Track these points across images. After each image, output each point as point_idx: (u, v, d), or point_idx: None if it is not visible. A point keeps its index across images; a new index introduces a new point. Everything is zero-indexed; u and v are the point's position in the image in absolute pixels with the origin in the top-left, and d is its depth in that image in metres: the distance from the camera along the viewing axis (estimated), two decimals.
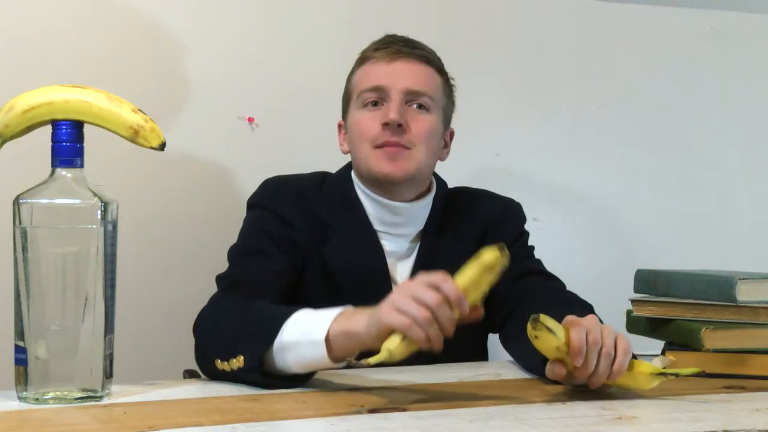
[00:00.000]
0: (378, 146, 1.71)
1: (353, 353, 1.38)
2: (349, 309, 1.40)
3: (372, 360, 1.31)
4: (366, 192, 1.76)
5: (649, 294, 1.73)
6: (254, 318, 1.47)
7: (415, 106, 1.73)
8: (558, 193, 2.44)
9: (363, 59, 1.78)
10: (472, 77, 2.33)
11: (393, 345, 1.31)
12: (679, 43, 2.55)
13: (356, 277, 1.72)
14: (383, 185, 1.74)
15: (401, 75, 1.72)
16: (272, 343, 1.40)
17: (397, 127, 1.70)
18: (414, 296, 1.31)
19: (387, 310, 1.33)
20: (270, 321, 1.43)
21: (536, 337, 1.35)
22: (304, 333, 1.38)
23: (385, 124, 1.70)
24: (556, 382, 1.44)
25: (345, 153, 1.82)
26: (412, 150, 1.72)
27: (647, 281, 1.74)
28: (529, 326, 1.35)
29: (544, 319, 1.34)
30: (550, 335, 1.34)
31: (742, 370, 1.57)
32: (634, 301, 1.71)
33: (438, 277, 1.32)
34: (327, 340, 1.36)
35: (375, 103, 1.73)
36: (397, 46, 1.74)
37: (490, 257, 1.32)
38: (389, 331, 1.32)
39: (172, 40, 2.13)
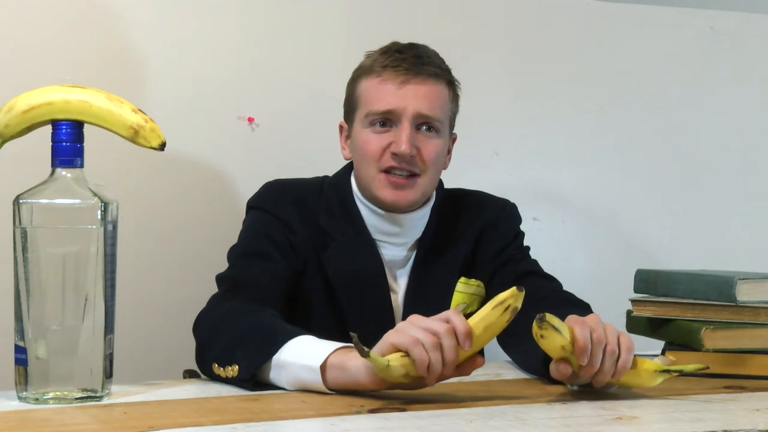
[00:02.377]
0: (384, 171, 1.71)
1: (346, 388, 1.38)
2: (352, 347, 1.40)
3: (371, 353, 1.30)
4: (364, 202, 1.76)
5: (649, 294, 1.73)
6: (256, 328, 1.47)
7: (424, 128, 1.72)
8: (558, 193, 2.44)
9: (370, 71, 1.73)
10: (472, 77, 2.32)
11: (393, 358, 1.32)
12: (679, 43, 2.55)
13: (354, 284, 1.72)
14: (380, 206, 1.74)
15: (412, 99, 1.69)
16: (269, 358, 1.40)
17: (408, 157, 1.70)
18: (422, 325, 1.33)
19: (392, 332, 1.34)
20: (272, 336, 1.43)
21: (542, 336, 1.34)
22: (303, 357, 1.38)
23: (395, 154, 1.69)
24: (556, 382, 1.44)
25: (347, 159, 1.81)
26: (421, 176, 1.72)
27: (647, 281, 1.74)
28: (534, 326, 1.34)
29: (550, 318, 1.34)
30: (556, 334, 1.34)
31: (742, 370, 1.57)
32: (634, 301, 1.71)
33: (449, 312, 1.34)
34: (323, 368, 1.36)
35: (383, 124, 1.71)
36: (406, 65, 1.70)
37: (504, 294, 1.33)
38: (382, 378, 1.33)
39: (172, 40, 2.13)
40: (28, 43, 2.03)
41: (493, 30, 2.40)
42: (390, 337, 1.34)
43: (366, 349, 1.30)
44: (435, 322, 1.33)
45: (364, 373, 1.34)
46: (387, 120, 1.71)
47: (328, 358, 1.36)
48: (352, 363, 1.35)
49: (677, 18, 2.53)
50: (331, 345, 1.39)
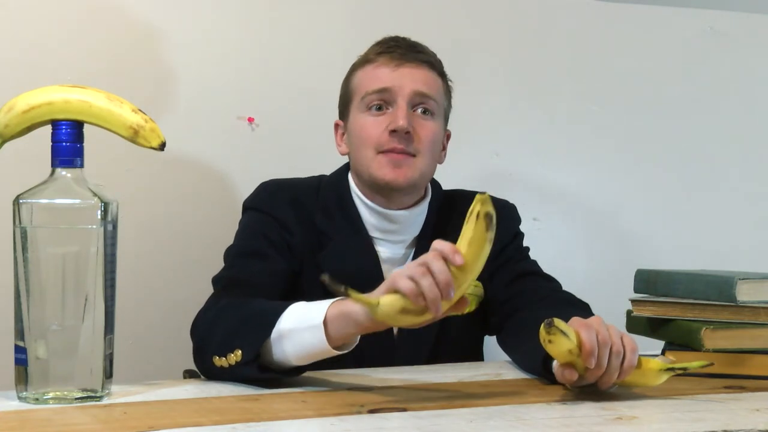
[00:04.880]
0: (382, 152, 1.71)
1: (351, 337, 1.39)
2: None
3: (354, 294, 1.28)
4: (362, 199, 1.76)
5: (649, 294, 1.73)
6: (251, 312, 1.47)
7: (420, 110, 1.72)
8: (558, 193, 2.44)
9: (365, 61, 1.76)
10: (472, 77, 2.33)
11: (383, 297, 1.30)
12: (679, 43, 2.55)
13: (351, 283, 1.71)
14: (383, 191, 1.74)
15: (407, 79, 1.71)
16: (270, 333, 1.40)
17: (405, 134, 1.70)
18: (411, 263, 1.32)
19: (386, 279, 1.34)
20: (267, 313, 1.44)
21: (550, 341, 1.34)
22: (302, 319, 1.39)
23: (393, 132, 1.69)
24: (556, 382, 1.44)
25: (343, 155, 1.82)
26: (417, 157, 1.72)
27: (647, 281, 1.74)
28: (542, 331, 1.34)
29: (558, 323, 1.33)
30: (563, 339, 1.33)
31: (742, 370, 1.57)
32: (634, 301, 1.71)
33: (433, 242, 1.33)
34: (325, 324, 1.37)
35: (379, 108, 1.72)
36: (401, 50, 1.73)
37: (473, 206, 1.30)
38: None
39: (172, 40, 2.13)
40: (28, 43, 2.03)
41: (493, 30, 2.40)
42: (384, 284, 1.33)
43: (344, 287, 1.27)
44: (422, 257, 1.32)
45: (362, 312, 1.34)
46: (383, 102, 1.72)
47: (327, 312, 1.37)
48: (350, 308, 1.36)
49: (677, 18, 2.53)
50: (326, 302, 1.40)
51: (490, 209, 1.30)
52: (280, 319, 1.41)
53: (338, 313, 1.37)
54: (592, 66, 2.47)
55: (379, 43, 1.77)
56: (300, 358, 1.41)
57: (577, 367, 1.36)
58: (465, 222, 1.32)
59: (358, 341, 1.42)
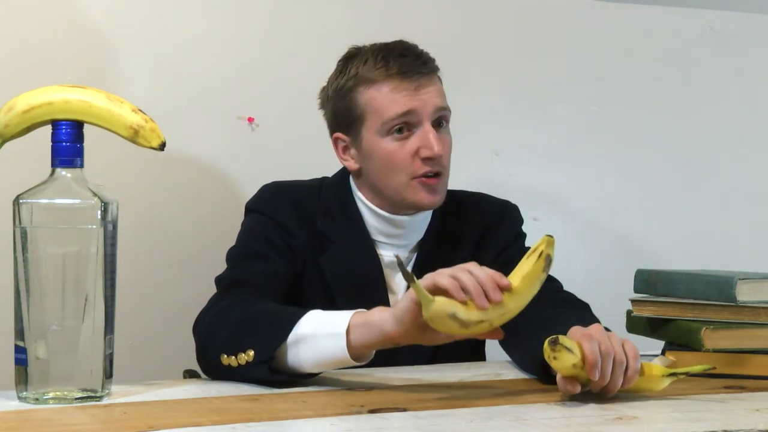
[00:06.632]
0: (416, 177, 1.70)
1: (372, 347, 1.39)
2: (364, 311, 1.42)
3: (417, 284, 1.29)
4: (367, 204, 1.76)
5: (649, 294, 1.73)
6: (265, 313, 1.47)
7: (439, 124, 1.72)
8: (558, 193, 2.44)
9: (372, 80, 1.70)
10: (472, 77, 2.33)
11: (439, 297, 1.31)
12: (679, 43, 2.55)
13: (352, 286, 1.72)
14: (409, 209, 1.73)
15: (427, 98, 1.69)
16: (287, 336, 1.40)
17: (439, 158, 1.69)
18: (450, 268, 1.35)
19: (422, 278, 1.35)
20: (283, 316, 1.44)
21: (555, 358, 1.34)
22: (323, 325, 1.40)
23: (429, 159, 1.68)
24: (555, 382, 1.43)
25: (353, 170, 1.77)
26: (444, 173, 1.72)
27: (647, 281, 1.74)
28: (547, 348, 1.34)
29: (563, 339, 1.33)
30: (568, 355, 1.33)
31: (742, 370, 1.57)
32: (634, 301, 1.71)
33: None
34: (348, 332, 1.37)
35: (400, 130, 1.70)
36: (413, 68, 1.69)
37: (538, 245, 1.38)
38: (413, 313, 1.33)
39: (172, 40, 2.13)
40: (28, 43, 2.03)
41: (493, 30, 2.40)
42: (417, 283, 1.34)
43: (411, 273, 1.29)
44: (462, 265, 1.36)
45: (391, 322, 1.35)
46: (405, 124, 1.69)
47: (351, 320, 1.38)
48: (375, 317, 1.37)
49: (677, 18, 2.53)
50: (348, 311, 1.40)
51: (552, 253, 1.38)
52: (298, 324, 1.40)
53: (363, 322, 1.38)
54: (592, 66, 2.47)
55: (384, 59, 1.71)
56: (315, 365, 1.41)
57: (580, 378, 1.36)
58: (525, 256, 1.38)
59: (373, 356, 1.42)
